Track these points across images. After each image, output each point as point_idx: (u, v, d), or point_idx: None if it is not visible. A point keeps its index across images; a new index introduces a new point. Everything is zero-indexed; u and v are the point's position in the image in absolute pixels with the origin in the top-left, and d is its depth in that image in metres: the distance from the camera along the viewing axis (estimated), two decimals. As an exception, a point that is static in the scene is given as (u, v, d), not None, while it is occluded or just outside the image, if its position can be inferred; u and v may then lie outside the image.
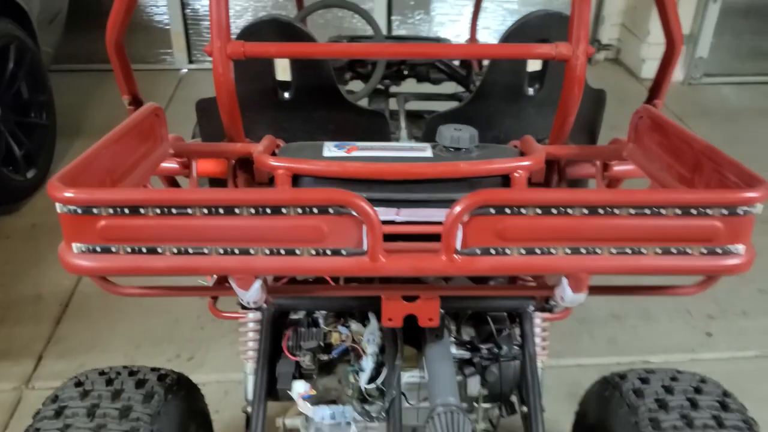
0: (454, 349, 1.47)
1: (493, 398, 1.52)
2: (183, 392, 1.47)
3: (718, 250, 0.93)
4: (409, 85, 2.79)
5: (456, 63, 2.73)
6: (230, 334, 2.64)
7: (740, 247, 0.94)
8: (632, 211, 0.90)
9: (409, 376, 1.47)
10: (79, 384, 1.41)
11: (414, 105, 2.65)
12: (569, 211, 0.90)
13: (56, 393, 1.40)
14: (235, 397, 2.26)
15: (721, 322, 2.85)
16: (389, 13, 5.54)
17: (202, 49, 1.45)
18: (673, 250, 0.93)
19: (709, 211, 0.91)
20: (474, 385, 1.49)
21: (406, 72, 2.66)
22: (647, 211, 0.90)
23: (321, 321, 1.48)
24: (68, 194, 0.89)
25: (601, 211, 0.90)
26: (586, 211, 0.90)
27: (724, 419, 1.34)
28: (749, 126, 4.76)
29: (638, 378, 1.47)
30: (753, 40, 5.51)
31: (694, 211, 0.91)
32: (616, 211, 0.90)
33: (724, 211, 0.91)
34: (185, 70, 5.59)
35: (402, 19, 5.66)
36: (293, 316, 1.50)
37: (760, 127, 4.76)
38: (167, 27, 5.55)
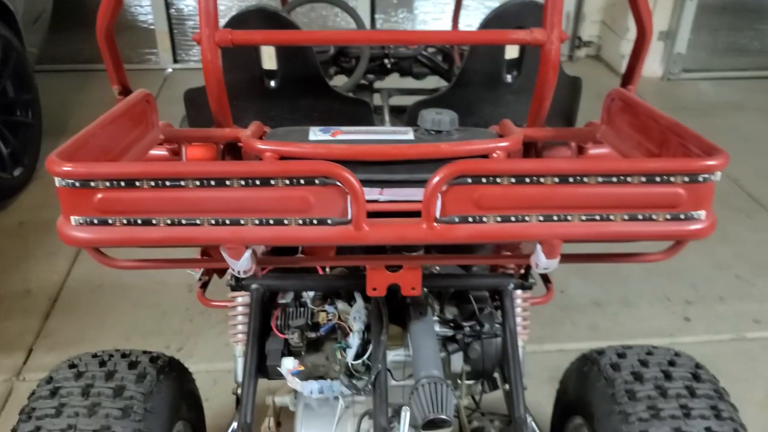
0: (437, 327, 1.51)
1: (476, 375, 1.57)
2: (174, 373, 1.50)
3: (682, 216, 0.99)
4: (393, 80, 2.84)
5: (439, 58, 2.78)
6: (218, 325, 2.68)
7: (702, 213, 1.00)
8: (600, 179, 0.96)
9: (394, 355, 1.51)
10: (72, 366, 1.44)
11: (398, 100, 2.71)
12: (541, 180, 0.96)
13: (51, 375, 1.43)
14: (224, 386, 2.30)
15: (698, 307, 2.92)
16: (373, 12, 5.60)
17: (191, 37, 1.50)
18: (640, 217, 0.99)
19: (672, 179, 0.97)
20: (457, 362, 1.54)
21: (389, 66, 2.71)
22: (614, 180, 0.96)
23: (309, 303, 1.53)
24: (66, 168, 0.93)
25: (571, 179, 0.96)
26: (557, 179, 0.96)
27: (696, 389, 1.39)
28: (726, 120, 4.88)
29: (615, 353, 1.52)
30: (729, 36, 5.64)
31: (658, 179, 0.97)
32: (585, 179, 0.96)
33: (686, 179, 0.97)
34: (170, 70, 5.61)
35: (385, 17, 5.73)
36: (281, 300, 1.55)
37: (736, 120, 4.88)
38: (152, 27, 5.57)
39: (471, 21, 5.63)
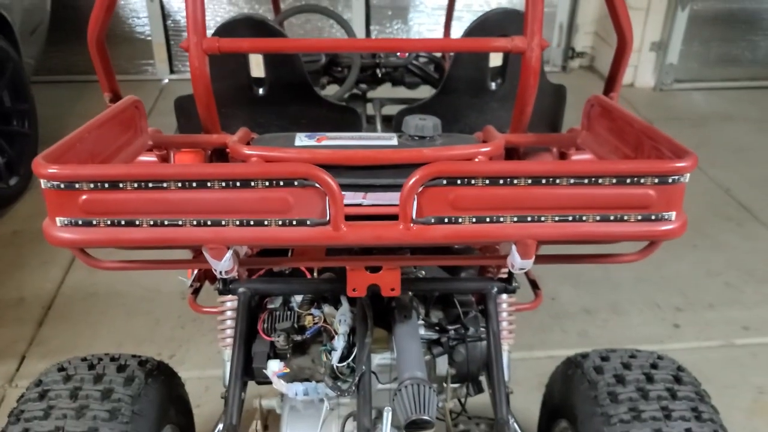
0: (422, 331, 1.53)
1: (461, 378, 1.58)
2: (163, 377, 1.52)
3: (653, 217, 1.02)
4: (387, 91, 2.87)
5: (431, 68, 2.82)
6: (210, 333, 2.69)
7: (673, 214, 1.02)
8: (572, 180, 0.99)
9: (380, 358, 1.53)
10: (62, 369, 1.45)
11: (390, 110, 2.73)
12: (515, 181, 0.98)
13: (40, 378, 1.45)
14: (216, 393, 2.30)
15: (688, 314, 2.94)
16: (368, 23, 5.66)
17: (179, 45, 1.51)
18: (612, 218, 1.01)
19: (642, 180, 0.99)
20: (442, 365, 1.56)
21: (380, 75, 2.74)
22: (586, 181, 0.99)
23: (295, 307, 1.55)
24: (52, 170, 0.95)
25: (543, 181, 0.98)
26: (530, 181, 0.98)
27: (677, 391, 1.40)
28: (717, 130, 4.92)
29: (599, 357, 1.54)
30: (720, 47, 5.69)
31: (628, 180, 0.99)
32: (558, 181, 0.98)
33: (656, 180, 0.99)
34: (167, 81, 5.66)
35: (380, 28, 5.78)
36: (269, 306, 1.57)
37: (728, 130, 4.91)
38: (149, 38, 5.62)
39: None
